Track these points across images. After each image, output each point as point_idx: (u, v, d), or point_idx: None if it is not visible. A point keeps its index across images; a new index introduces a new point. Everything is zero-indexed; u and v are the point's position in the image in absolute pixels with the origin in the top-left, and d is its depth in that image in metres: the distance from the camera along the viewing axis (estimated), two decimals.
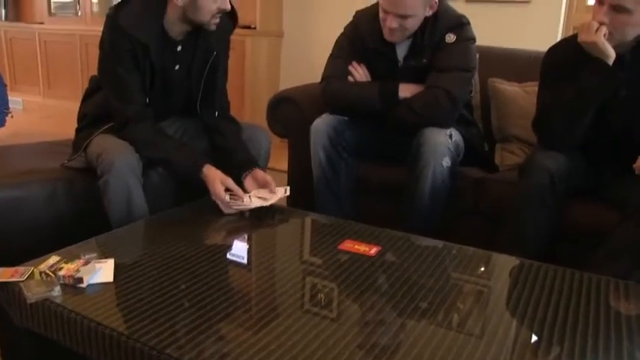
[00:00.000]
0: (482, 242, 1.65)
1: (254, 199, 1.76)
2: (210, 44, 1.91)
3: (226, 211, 1.74)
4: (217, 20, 1.80)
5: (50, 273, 1.24)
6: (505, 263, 1.51)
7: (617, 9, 1.64)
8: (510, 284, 1.38)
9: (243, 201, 1.74)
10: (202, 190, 1.78)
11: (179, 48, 1.87)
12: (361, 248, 1.49)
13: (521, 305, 1.24)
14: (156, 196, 1.87)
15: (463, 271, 1.42)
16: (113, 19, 1.75)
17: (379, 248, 1.49)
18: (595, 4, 1.70)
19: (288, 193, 1.85)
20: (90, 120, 1.93)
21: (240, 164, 1.88)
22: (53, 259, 1.31)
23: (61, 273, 1.23)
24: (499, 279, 1.43)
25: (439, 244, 1.56)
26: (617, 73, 1.72)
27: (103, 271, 1.28)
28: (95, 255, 1.35)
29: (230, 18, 1.95)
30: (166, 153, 1.80)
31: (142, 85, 1.82)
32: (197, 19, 1.78)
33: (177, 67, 1.89)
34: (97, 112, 1.90)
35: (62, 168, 1.95)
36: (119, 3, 1.80)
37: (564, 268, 1.41)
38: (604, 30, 1.67)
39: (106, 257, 1.35)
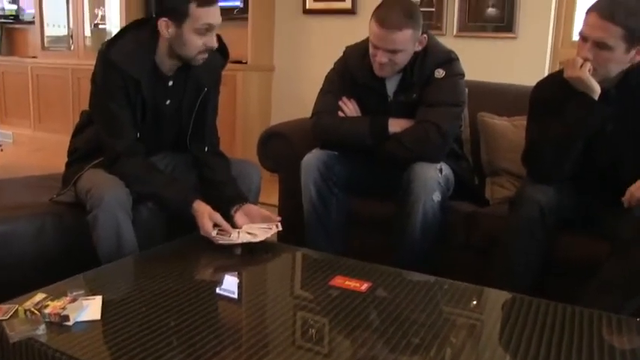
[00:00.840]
0: (474, 276, 1.65)
1: (242, 235, 1.74)
2: (201, 80, 1.92)
3: (217, 243, 1.72)
4: (204, 56, 1.81)
5: (35, 311, 1.22)
6: (497, 298, 1.50)
7: (600, 46, 1.67)
8: (502, 319, 1.37)
9: (230, 236, 1.73)
10: (192, 225, 1.76)
11: (170, 83, 1.88)
12: (352, 284, 1.48)
13: (513, 340, 1.23)
14: (146, 231, 1.86)
15: (455, 306, 1.41)
16: (105, 55, 1.76)
17: (370, 284, 1.48)
18: (579, 40, 1.74)
19: (280, 228, 1.84)
20: (80, 154, 1.92)
21: (229, 199, 1.87)
22: (39, 296, 1.28)
23: (47, 311, 1.21)
24: (491, 314, 1.42)
25: (430, 279, 1.56)
26: (603, 108, 1.75)
27: (90, 309, 1.26)
28: (82, 292, 1.33)
29: (221, 54, 1.96)
30: (157, 188, 1.79)
31: (134, 120, 1.82)
32: (183, 53, 1.78)
33: (168, 101, 1.90)
34: (88, 147, 1.90)
35: (50, 203, 1.94)
36: (111, 38, 1.82)
37: (556, 303, 1.41)
38: (588, 65, 1.71)
39: (94, 294, 1.33)
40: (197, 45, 1.76)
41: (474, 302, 1.46)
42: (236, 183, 1.95)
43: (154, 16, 1.78)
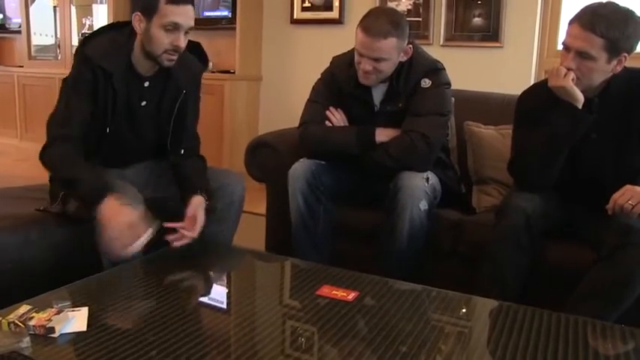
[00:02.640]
0: (461, 284, 1.66)
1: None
2: (179, 83, 1.92)
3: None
4: (172, 57, 1.78)
5: (19, 323, 1.20)
6: (484, 306, 1.51)
7: (583, 56, 1.70)
8: (490, 327, 1.37)
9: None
10: None
11: (146, 84, 1.87)
12: (339, 293, 1.48)
13: (500, 348, 1.24)
14: None
15: (442, 314, 1.41)
16: (80, 49, 1.78)
17: (357, 293, 1.48)
18: (562, 50, 1.76)
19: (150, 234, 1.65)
20: None
21: (187, 189, 1.87)
22: (23, 308, 1.27)
23: (32, 323, 1.20)
24: (478, 322, 1.43)
25: (417, 287, 1.56)
26: (587, 116, 1.77)
27: (76, 320, 1.25)
28: (68, 303, 1.32)
29: (201, 61, 1.98)
30: (77, 174, 1.71)
31: (86, 118, 1.78)
32: (151, 50, 1.77)
33: (143, 102, 1.89)
34: None
35: (36, 213, 1.92)
36: (88, 35, 1.83)
37: (542, 310, 1.41)
38: (572, 75, 1.73)
39: (80, 305, 1.32)
40: (163, 42, 1.74)
41: (462, 310, 1.46)
42: (203, 178, 1.93)
43: (131, 12, 1.80)
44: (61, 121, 1.79)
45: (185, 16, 1.75)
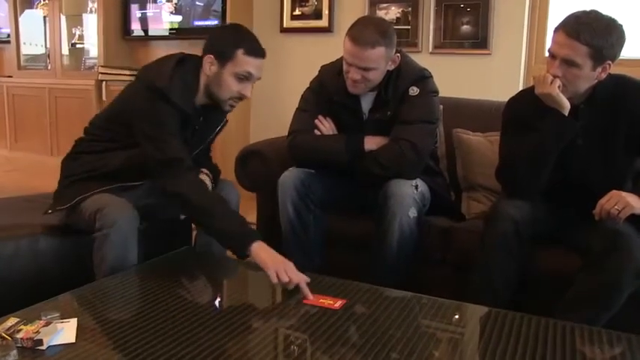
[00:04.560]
0: (451, 291, 1.67)
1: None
2: (223, 114, 2.00)
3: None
4: (235, 104, 1.88)
5: (7, 336, 1.20)
6: (473, 312, 1.52)
7: (568, 63, 1.71)
8: (480, 334, 1.38)
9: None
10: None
11: (201, 118, 1.93)
12: (326, 302, 1.48)
13: (489, 354, 1.25)
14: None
15: (432, 321, 1.42)
16: (160, 92, 1.76)
17: (344, 301, 1.49)
18: (548, 57, 1.78)
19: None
20: (87, 177, 1.89)
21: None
22: (11, 320, 1.27)
23: (19, 335, 1.19)
24: (468, 328, 1.44)
25: (407, 294, 1.57)
26: (573, 123, 1.79)
27: (64, 332, 1.24)
28: (57, 315, 1.31)
29: None
30: (214, 204, 1.73)
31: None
32: (217, 94, 1.84)
33: (196, 127, 1.94)
34: (97, 170, 1.88)
35: (25, 224, 1.91)
36: (164, 76, 1.78)
37: (531, 316, 1.42)
38: (558, 82, 1.74)
39: (69, 317, 1.31)
40: (232, 89, 1.82)
41: (451, 317, 1.47)
42: (208, 161, 2.08)
43: (202, 53, 1.84)
44: (177, 151, 1.77)
45: (259, 68, 1.85)
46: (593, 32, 1.66)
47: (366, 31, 1.97)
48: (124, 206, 1.75)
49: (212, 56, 1.81)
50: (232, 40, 1.81)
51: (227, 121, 2.07)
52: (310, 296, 1.51)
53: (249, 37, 1.86)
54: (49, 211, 1.91)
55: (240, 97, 1.85)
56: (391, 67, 2.05)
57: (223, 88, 1.82)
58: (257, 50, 1.84)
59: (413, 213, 1.96)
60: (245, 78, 1.82)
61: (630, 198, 1.68)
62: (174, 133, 1.79)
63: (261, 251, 1.62)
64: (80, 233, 1.79)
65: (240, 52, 1.79)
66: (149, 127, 1.78)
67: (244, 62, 1.80)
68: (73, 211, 1.85)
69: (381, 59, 1.99)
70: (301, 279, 1.55)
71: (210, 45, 1.84)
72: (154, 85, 1.77)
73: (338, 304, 1.47)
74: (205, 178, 1.96)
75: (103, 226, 1.71)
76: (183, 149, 1.80)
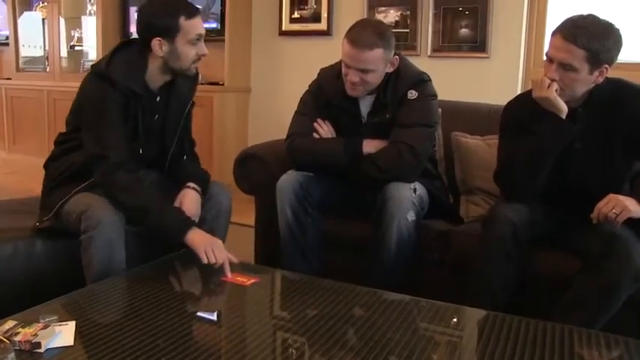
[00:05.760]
0: (449, 294, 1.66)
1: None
2: (184, 93, 1.99)
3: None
4: (197, 65, 1.90)
5: (4, 339, 1.19)
6: (472, 316, 1.52)
7: (565, 67, 1.72)
8: (478, 337, 1.38)
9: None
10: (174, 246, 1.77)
11: (158, 98, 1.92)
12: (240, 279, 1.56)
13: (486, 358, 1.25)
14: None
15: (430, 324, 1.42)
16: (104, 73, 1.79)
17: (256, 279, 1.52)
18: (546, 61, 1.79)
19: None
20: (62, 180, 1.89)
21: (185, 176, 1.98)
22: (9, 323, 1.26)
23: (17, 338, 1.19)
24: (466, 332, 1.44)
25: (405, 297, 1.57)
26: (571, 126, 1.79)
27: (63, 335, 1.24)
28: (55, 318, 1.31)
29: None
30: (149, 203, 1.77)
31: (127, 137, 1.84)
32: (179, 66, 1.86)
33: (156, 116, 1.94)
34: (71, 172, 1.88)
35: (23, 227, 1.91)
36: (105, 59, 1.85)
37: (529, 319, 1.42)
38: (555, 86, 1.75)
39: (67, 320, 1.31)
40: (191, 55, 1.85)
41: (450, 321, 1.47)
42: (198, 170, 2.06)
43: (141, 37, 1.85)
44: (108, 146, 1.78)
45: (202, 24, 1.88)
46: (590, 36, 1.67)
47: (364, 33, 1.97)
48: (107, 206, 1.74)
49: (158, 38, 1.80)
50: (169, 12, 1.80)
51: (194, 102, 2.06)
52: (229, 274, 1.66)
53: (179, 1, 1.86)
54: (37, 224, 1.91)
55: (200, 58, 1.88)
56: (390, 69, 2.06)
57: (182, 58, 1.84)
58: (194, 8, 1.86)
59: (411, 216, 1.96)
60: (198, 39, 1.84)
61: (628, 202, 1.69)
62: (115, 125, 1.79)
63: (195, 237, 1.71)
64: (75, 235, 1.79)
65: (182, 20, 1.80)
66: (90, 115, 1.82)
67: (191, 26, 1.82)
68: (59, 216, 1.85)
69: (379, 61, 1.99)
70: (224, 258, 1.67)
71: (148, 28, 1.82)
72: (95, 69, 1.83)
73: (250, 282, 1.61)
74: (193, 194, 1.94)
75: (88, 228, 1.71)
76: (121, 145, 1.80)
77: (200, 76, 2.08)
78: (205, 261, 1.67)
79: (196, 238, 1.71)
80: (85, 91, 1.86)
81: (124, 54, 1.86)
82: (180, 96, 1.99)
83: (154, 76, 1.89)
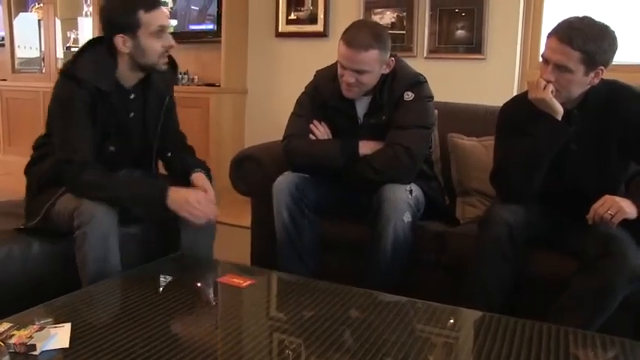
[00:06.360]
0: (446, 295, 1.67)
1: None
2: (161, 89, 1.98)
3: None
4: (166, 59, 1.88)
5: None
6: (468, 317, 1.52)
7: (561, 68, 1.72)
8: (474, 338, 1.38)
9: None
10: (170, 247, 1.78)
11: (132, 96, 1.91)
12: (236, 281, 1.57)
13: (483, 359, 1.25)
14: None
15: (426, 325, 1.42)
16: (71, 73, 1.79)
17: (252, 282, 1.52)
18: (542, 63, 1.79)
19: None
20: (45, 184, 1.89)
21: (187, 171, 2.01)
22: (4, 325, 1.26)
23: (12, 341, 1.19)
24: (462, 333, 1.44)
25: (401, 299, 1.57)
26: (566, 128, 1.80)
27: (58, 337, 1.24)
28: (51, 320, 1.31)
29: (170, 66, 2.00)
30: (124, 189, 1.80)
31: (94, 137, 1.82)
32: (146, 61, 1.84)
33: (132, 114, 1.92)
34: (52, 174, 1.87)
35: (17, 231, 1.91)
36: (72, 58, 1.85)
37: (525, 320, 1.43)
38: (551, 87, 1.75)
39: (63, 322, 1.31)
40: (157, 48, 1.83)
41: (446, 322, 1.47)
42: (195, 160, 2.08)
43: (105, 35, 1.85)
44: (73, 148, 1.79)
45: (165, 16, 1.85)
46: (586, 38, 1.67)
47: (360, 34, 1.98)
48: (98, 202, 1.74)
49: (121, 35, 1.80)
50: (127, 8, 1.79)
51: (172, 97, 2.05)
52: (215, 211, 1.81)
53: None
54: (22, 226, 1.91)
55: (167, 50, 1.86)
56: (386, 70, 2.06)
57: (148, 52, 1.82)
58: (154, 1, 1.83)
59: (407, 217, 1.96)
60: (161, 31, 1.82)
61: (623, 203, 1.69)
62: (80, 125, 1.78)
63: (173, 199, 1.77)
64: (68, 235, 1.78)
65: (142, 14, 1.78)
66: (57, 117, 1.82)
67: (152, 19, 1.80)
68: (48, 219, 1.85)
69: (374, 62, 1.99)
70: (207, 212, 1.79)
71: (110, 26, 1.83)
72: (62, 69, 1.83)
73: (246, 283, 1.62)
74: (202, 176, 1.98)
75: (81, 224, 1.71)
76: (85, 146, 1.78)
77: (179, 69, 2.08)
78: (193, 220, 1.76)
79: (175, 200, 1.76)
80: (54, 92, 1.85)
81: (93, 52, 1.85)
82: (158, 92, 1.98)
83: (125, 74, 1.88)
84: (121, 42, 1.80)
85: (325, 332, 1.34)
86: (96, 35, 4.46)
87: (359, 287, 1.63)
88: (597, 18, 1.73)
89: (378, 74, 2.04)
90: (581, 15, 1.73)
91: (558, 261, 1.85)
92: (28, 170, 1.98)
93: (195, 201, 1.79)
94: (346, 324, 1.39)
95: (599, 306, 1.69)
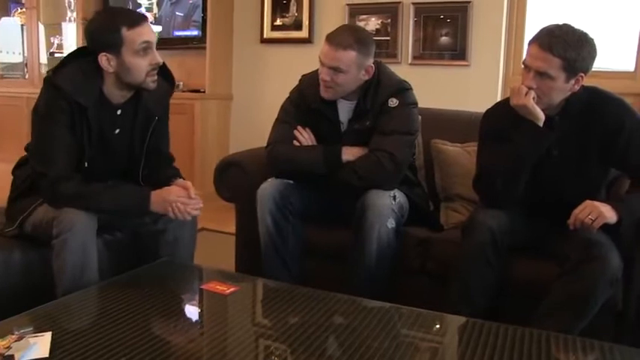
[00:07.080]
0: (430, 301, 1.67)
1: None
2: (151, 109, 1.92)
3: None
4: (154, 77, 1.81)
5: None
6: (452, 323, 1.53)
7: (542, 75, 1.74)
8: (458, 343, 1.39)
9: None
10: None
11: (119, 112, 1.86)
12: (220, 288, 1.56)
13: None
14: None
15: (410, 331, 1.42)
16: (52, 81, 1.75)
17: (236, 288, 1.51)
18: (523, 69, 1.81)
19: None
20: (25, 189, 1.87)
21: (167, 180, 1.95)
22: None
23: None
24: (446, 339, 1.45)
25: (385, 305, 1.57)
26: (548, 134, 1.81)
27: (38, 347, 1.22)
28: (30, 329, 1.29)
29: (167, 81, 1.97)
30: (106, 199, 1.77)
31: (76, 148, 1.79)
32: (132, 80, 1.79)
33: (117, 130, 1.88)
34: (32, 180, 1.85)
35: (1, 237, 1.88)
36: (57, 66, 1.81)
37: (508, 326, 1.43)
38: (532, 94, 1.77)
39: (43, 331, 1.29)
40: (142, 66, 1.76)
41: (430, 328, 1.48)
42: (175, 171, 2.04)
43: (92, 51, 1.79)
44: (48, 159, 1.76)
45: (149, 32, 1.79)
46: (566, 45, 1.69)
47: (343, 34, 2.02)
48: (78, 211, 1.72)
49: (104, 53, 1.74)
50: (109, 26, 1.74)
51: (159, 119, 1.95)
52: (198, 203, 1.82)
53: (120, 12, 1.85)
54: (6, 231, 1.89)
55: (154, 68, 1.80)
56: (365, 76, 2.06)
57: (134, 70, 1.76)
58: (137, 18, 1.78)
59: (391, 224, 1.96)
60: (147, 48, 1.76)
61: (603, 208, 1.71)
62: (57, 136, 1.74)
63: (156, 206, 1.79)
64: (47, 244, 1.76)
65: (124, 31, 1.72)
66: (36, 124, 1.80)
67: (135, 35, 1.73)
68: (24, 227, 1.83)
69: (351, 64, 2.00)
70: (190, 211, 1.79)
71: (94, 44, 1.77)
72: (47, 75, 1.79)
73: (229, 290, 1.61)
74: (181, 181, 1.95)
75: (61, 232, 1.68)
76: (60, 158, 1.75)
77: (174, 87, 2.03)
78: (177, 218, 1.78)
79: (157, 203, 1.78)
80: (37, 98, 1.81)
81: (81, 62, 1.80)
82: (147, 111, 1.91)
83: (112, 91, 1.82)
84: (105, 61, 1.74)
85: (309, 338, 1.34)
86: (80, 41, 4.46)
87: (343, 293, 1.63)
88: (577, 26, 1.75)
89: (354, 77, 2.05)
90: (561, 23, 1.76)
91: (541, 266, 1.86)
92: (15, 171, 1.95)
93: (175, 196, 1.79)
94: (330, 330, 1.39)
95: (581, 310, 1.70)
